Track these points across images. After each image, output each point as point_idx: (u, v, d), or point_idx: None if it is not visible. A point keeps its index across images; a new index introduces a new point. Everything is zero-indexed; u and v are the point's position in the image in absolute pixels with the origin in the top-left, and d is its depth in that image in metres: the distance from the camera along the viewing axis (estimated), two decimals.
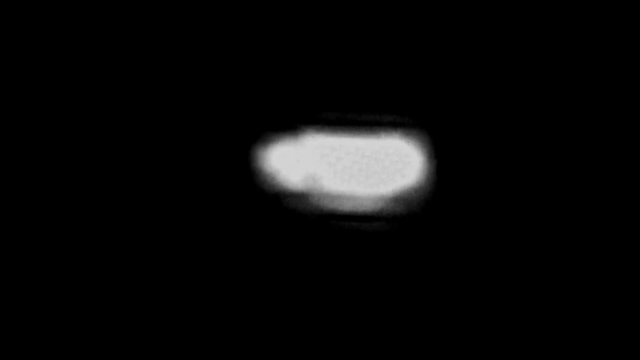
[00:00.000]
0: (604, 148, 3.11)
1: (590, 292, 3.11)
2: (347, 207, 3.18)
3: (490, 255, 3.13)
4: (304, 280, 3.17)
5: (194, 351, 3.13)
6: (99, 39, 3.17)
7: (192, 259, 3.17)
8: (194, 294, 3.16)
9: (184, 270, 3.17)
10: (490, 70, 3.15)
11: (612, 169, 3.11)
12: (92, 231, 3.17)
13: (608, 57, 3.13)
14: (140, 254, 3.16)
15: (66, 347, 3.13)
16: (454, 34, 3.15)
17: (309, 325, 3.16)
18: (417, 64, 3.16)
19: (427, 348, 3.12)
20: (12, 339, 3.14)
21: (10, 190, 3.17)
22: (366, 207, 3.17)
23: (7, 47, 3.18)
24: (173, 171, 3.16)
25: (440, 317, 3.13)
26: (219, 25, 3.18)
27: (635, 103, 3.11)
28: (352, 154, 3.16)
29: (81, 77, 3.18)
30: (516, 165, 3.14)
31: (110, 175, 3.16)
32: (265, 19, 3.17)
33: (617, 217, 3.11)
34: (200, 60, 3.18)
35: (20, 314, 3.15)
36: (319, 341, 3.15)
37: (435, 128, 3.16)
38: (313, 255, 3.17)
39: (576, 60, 3.13)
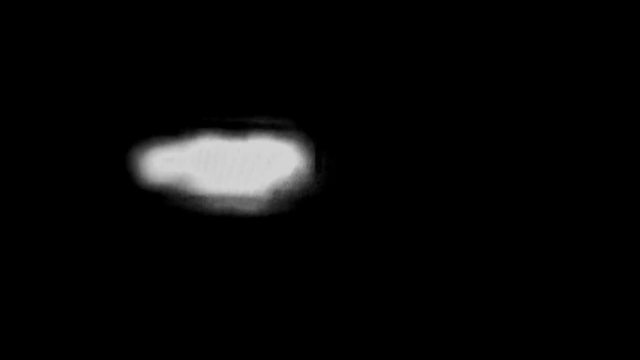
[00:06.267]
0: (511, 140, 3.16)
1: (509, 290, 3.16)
2: (220, 207, 3.21)
3: (363, 257, 3.17)
4: (176, 278, 3.19)
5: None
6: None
7: (67, 257, 3.17)
8: (74, 294, 3.15)
9: (61, 270, 3.16)
10: (365, 69, 3.18)
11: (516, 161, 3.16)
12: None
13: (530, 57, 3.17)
14: (18, 254, 3.15)
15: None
16: (326, 34, 3.18)
17: (173, 323, 3.17)
18: (294, 65, 3.19)
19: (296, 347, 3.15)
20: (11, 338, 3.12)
21: None
22: (241, 207, 3.20)
23: None
24: (51, 171, 3.15)
25: (312, 316, 3.16)
26: (107, 24, 3.17)
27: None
28: (227, 155, 3.19)
29: None
30: (398, 166, 3.18)
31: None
32: (146, 20, 3.18)
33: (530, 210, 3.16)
34: (86, 59, 3.18)
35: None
36: (173, 339, 3.16)
37: (313, 128, 3.20)
38: (185, 255, 3.19)
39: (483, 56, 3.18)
